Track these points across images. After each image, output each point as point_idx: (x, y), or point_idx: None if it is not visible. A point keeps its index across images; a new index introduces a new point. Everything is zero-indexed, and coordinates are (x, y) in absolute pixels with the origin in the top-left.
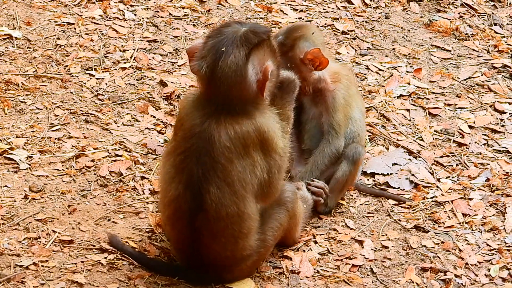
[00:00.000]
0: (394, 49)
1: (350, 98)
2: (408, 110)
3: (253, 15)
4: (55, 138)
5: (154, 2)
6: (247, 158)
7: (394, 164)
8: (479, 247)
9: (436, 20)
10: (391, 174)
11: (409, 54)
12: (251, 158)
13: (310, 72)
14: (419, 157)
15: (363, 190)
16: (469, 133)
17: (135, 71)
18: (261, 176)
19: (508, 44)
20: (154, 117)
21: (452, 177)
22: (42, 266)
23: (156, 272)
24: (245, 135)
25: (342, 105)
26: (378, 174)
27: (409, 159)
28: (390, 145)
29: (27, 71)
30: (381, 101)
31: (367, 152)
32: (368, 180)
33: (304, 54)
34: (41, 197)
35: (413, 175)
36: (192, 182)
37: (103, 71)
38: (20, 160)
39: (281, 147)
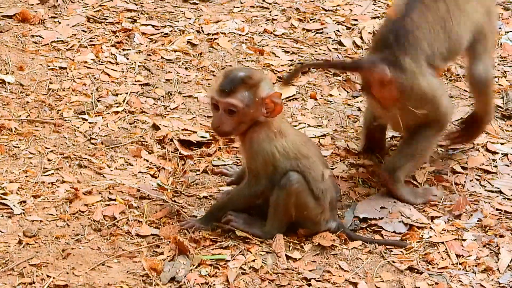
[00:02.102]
0: None
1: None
2: None
3: (245, 58)
4: (49, 183)
5: (146, 46)
6: None
7: (382, 207)
8: None
9: None
10: (382, 218)
11: None
12: None
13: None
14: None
15: (364, 240)
16: (462, 174)
17: (127, 115)
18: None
19: (499, 85)
20: (147, 161)
21: (445, 218)
22: None
23: None
24: None
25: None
26: (370, 219)
27: (394, 202)
28: (383, 187)
29: (20, 116)
30: None
31: (359, 193)
32: (364, 226)
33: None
34: (35, 242)
35: (407, 218)
36: None
37: (96, 115)
38: (14, 205)
39: None
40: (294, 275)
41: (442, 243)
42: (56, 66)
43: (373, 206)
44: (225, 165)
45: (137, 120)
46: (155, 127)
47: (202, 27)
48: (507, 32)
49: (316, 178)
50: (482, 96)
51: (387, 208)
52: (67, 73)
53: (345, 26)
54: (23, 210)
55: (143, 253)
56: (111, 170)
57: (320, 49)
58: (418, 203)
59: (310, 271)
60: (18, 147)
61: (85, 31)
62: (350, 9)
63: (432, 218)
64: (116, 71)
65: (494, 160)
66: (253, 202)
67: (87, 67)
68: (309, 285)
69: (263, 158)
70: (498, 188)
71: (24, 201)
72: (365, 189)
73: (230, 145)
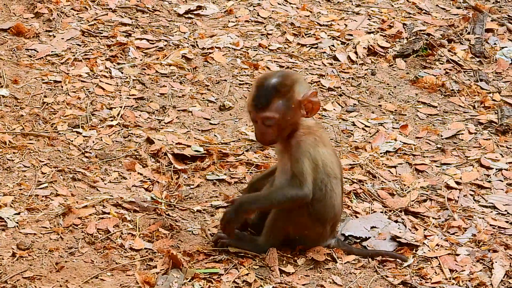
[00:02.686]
0: (380, 105)
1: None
2: (394, 166)
3: (240, 72)
4: (43, 196)
5: (141, 60)
6: None
7: (373, 227)
8: None
9: (422, 76)
10: (368, 238)
11: (395, 110)
12: None
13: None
14: (407, 214)
15: (362, 254)
16: (456, 189)
17: (122, 129)
18: None
19: (494, 100)
20: (141, 174)
21: (439, 233)
22: None
23: None
24: None
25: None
26: (363, 239)
27: (388, 223)
28: (376, 202)
29: (14, 129)
30: (367, 158)
31: (353, 209)
32: (350, 243)
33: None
34: (29, 255)
35: (398, 238)
36: None
37: (90, 129)
38: (8, 218)
39: None
40: None
41: (436, 258)
42: (50, 80)
43: (363, 225)
44: (219, 179)
45: (131, 133)
46: (149, 141)
47: (196, 42)
48: (502, 47)
49: (333, 203)
50: None
51: (378, 227)
52: (62, 87)
53: (340, 41)
54: (17, 223)
55: (137, 267)
56: (105, 184)
57: (314, 63)
58: None
59: (303, 285)
60: (12, 160)
61: (80, 45)
62: (345, 24)
63: (426, 236)
64: (111, 85)
65: (488, 175)
66: (287, 207)
67: (82, 81)
68: None
69: (308, 161)
70: (492, 203)
71: (18, 214)
72: (359, 204)
73: (224, 159)
